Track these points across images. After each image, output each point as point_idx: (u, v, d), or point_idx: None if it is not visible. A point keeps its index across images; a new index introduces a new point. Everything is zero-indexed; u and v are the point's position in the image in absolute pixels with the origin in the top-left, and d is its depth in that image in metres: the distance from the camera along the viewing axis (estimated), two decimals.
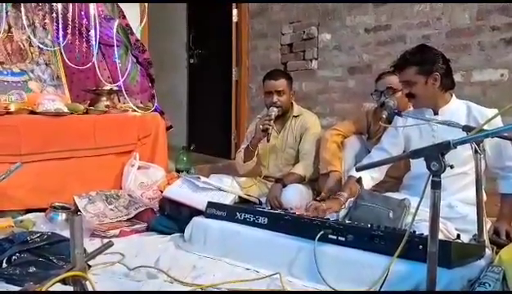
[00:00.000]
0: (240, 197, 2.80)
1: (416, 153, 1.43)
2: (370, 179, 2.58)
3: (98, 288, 1.26)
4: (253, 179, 3.35)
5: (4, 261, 1.92)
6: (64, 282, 1.20)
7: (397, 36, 3.98)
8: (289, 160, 3.29)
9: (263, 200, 2.99)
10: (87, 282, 1.22)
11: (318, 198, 2.94)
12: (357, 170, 1.96)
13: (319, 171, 3.09)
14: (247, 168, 3.28)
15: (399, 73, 2.45)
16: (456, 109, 2.43)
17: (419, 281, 1.69)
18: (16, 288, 1.78)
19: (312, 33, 4.55)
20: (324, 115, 4.33)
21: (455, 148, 1.36)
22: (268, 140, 3.06)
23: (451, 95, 2.47)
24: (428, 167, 1.37)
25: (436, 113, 2.43)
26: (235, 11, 5.14)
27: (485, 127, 1.80)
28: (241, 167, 3.31)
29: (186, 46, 5.80)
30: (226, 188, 2.82)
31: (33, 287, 1.22)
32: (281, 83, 3.18)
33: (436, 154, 1.35)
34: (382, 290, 1.73)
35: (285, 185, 3.03)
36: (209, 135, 5.43)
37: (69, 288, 1.24)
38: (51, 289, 1.20)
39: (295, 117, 3.27)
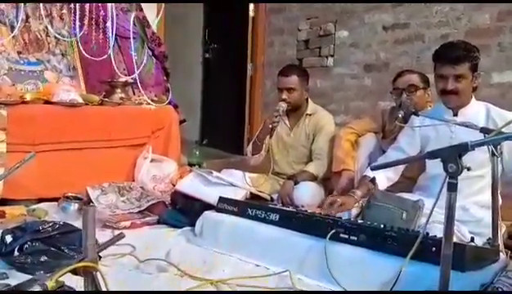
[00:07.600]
0: (251, 193, 2.80)
1: (433, 154, 1.40)
2: (385, 179, 2.52)
3: (108, 280, 1.25)
4: (265, 175, 3.34)
5: (16, 249, 1.94)
6: (75, 272, 1.19)
7: (415, 35, 3.93)
8: (300, 158, 3.26)
9: (275, 197, 2.98)
10: (98, 273, 1.22)
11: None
12: (373, 169, 1.93)
13: (331, 170, 3.07)
14: (256, 161, 3.29)
15: (457, 65, 2.26)
16: (476, 110, 2.37)
17: (430, 283, 1.66)
18: (27, 277, 1.78)
19: (329, 30, 4.52)
20: (338, 113, 4.30)
21: (473, 149, 1.33)
22: (271, 136, 3.06)
23: (471, 97, 2.42)
24: (445, 169, 1.34)
25: (455, 114, 2.38)
26: (251, 6, 5.13)
27: (503, 130, 1.77)
28: (251, 159, 3.33)
29: (202, 40, 5.80)
30: (238, 183, 2.82)
31: (43, 276, 1.22)
32: (292, 80, 3.14)
33: (453, 156, 1.33)
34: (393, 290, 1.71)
35: (297, 183, 3.02)
36: (222, 130, 5.43)
37: (80, 279, 1.24)
38: (61, 279, 1.20)
39: (309, 115, 3.24)
